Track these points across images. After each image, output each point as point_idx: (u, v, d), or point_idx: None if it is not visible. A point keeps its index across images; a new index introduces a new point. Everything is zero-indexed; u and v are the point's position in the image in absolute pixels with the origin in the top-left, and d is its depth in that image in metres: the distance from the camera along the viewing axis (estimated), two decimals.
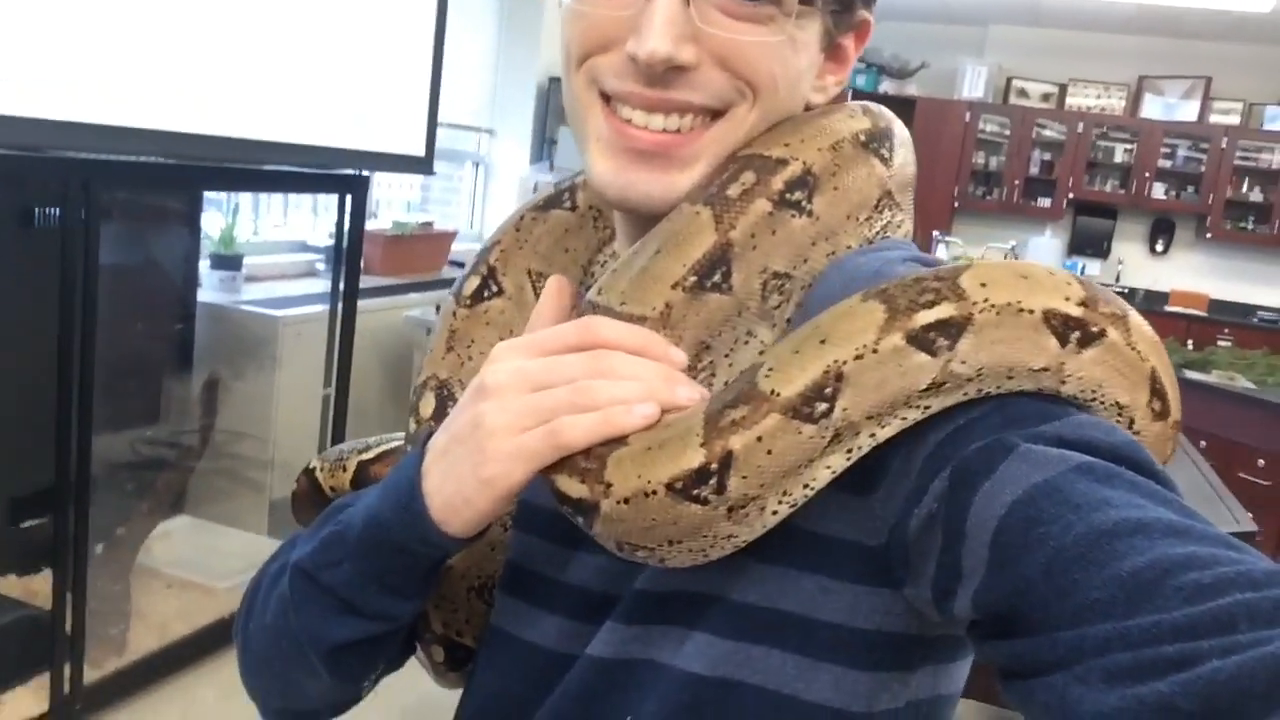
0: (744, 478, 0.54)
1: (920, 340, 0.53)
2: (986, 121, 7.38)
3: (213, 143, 2.50)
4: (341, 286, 3.18)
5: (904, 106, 7.01)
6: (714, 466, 0.54)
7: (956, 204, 7.37)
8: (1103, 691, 0.43)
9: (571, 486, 0.57)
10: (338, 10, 2.84)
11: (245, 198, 3.88)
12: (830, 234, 0.65)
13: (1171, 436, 0.61)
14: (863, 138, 0.66)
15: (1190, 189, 7.18)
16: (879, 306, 0.55)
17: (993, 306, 0.54)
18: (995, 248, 7.21)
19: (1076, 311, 0.55)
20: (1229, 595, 0.42)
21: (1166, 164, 7.16)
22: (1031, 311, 0.54)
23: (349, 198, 3.12)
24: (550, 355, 0.58)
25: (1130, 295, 7.04)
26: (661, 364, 0.58)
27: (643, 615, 0.64)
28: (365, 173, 3.18)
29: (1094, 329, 0.55)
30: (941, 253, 6.81)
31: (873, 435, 0.56)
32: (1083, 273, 6.91)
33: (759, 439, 0.54)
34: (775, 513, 0.56)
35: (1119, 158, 7.25)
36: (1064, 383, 0.55)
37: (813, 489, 0.56)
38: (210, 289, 3.46)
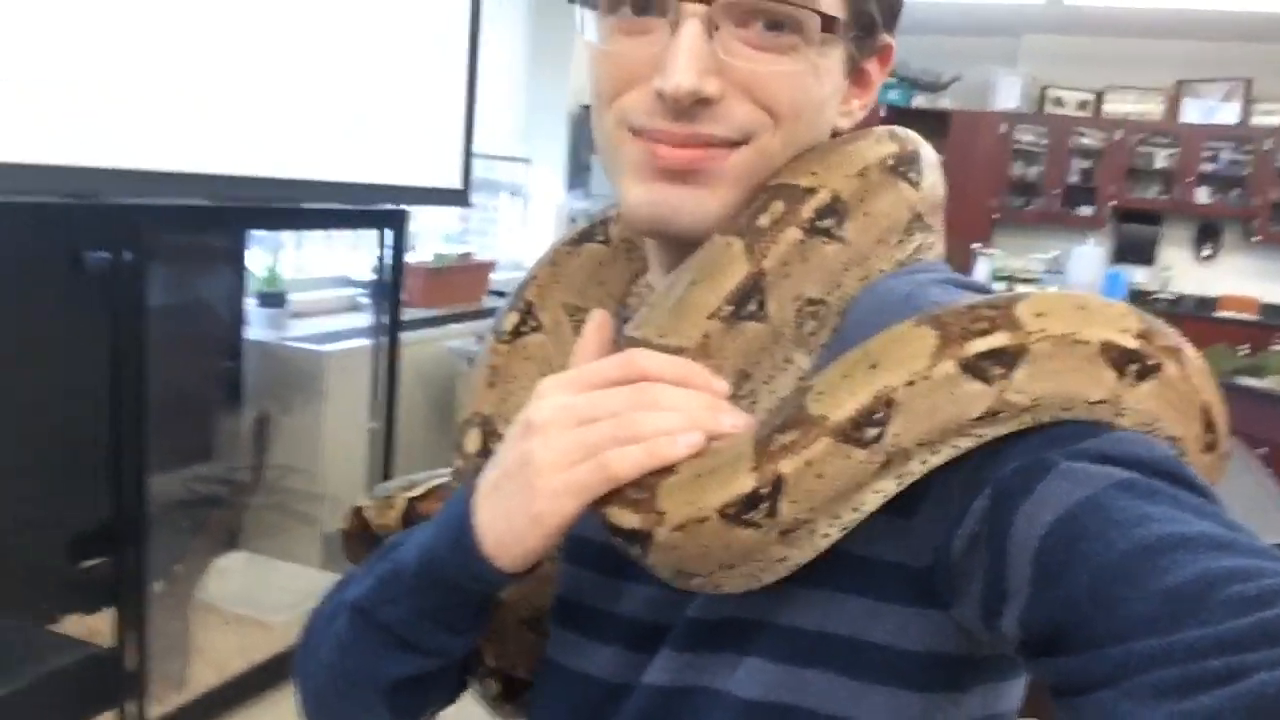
0: (794, 501, 0.54)
1: (974, 368, 0.53)
2: (1023, 132, 7.31)
3: (255, 183, 2.56)
4: (384, 320, 3.22)
5: (938, 120, 6.98)
6: (765, 491, 0.54)
7: (997, 216, 7.30)
8: (1151, 708, 0.42)
9: (624, 517, 0.57)
10: (372, 50, 2.90)
11: (288, 235, 3.95)
12: (862, 259, 0.66)
13: (1220, 467, 0.61)
14: (890, 162, 0.67)
15: (1235, 192, 7.05)
16: (931, 332, 0.54)
17: (1049, 337, 0.53)
18: (1038, 258, 7.14)
19: (1134, 344, 0.54)
20: (1275, 607, 0.42)
21: (1209, 168, 7.05)
22: (1088, 343, 0.53)
23: (389, 232, 3.16)
24: (594, 390, 0.59)
25: (1178, 301, 6.92)
26: (704, 393, 0.59)
27: (696, 642, 0.65)
28: (404, 207, 3.23)
29: (1151, 362, 0.54)
30: (983, 265, 6.75)
31: (924, 461, 0.56)
32: (1128, 280, 6.82)
33: (809, 463, 0.54)
34: (826, 535, 0.56)
35: (1160, 163, 7.14)
36: (1121, 415, 0.55)
37: (862, 513, 0.56)
38: (256, 326, 3.51)
